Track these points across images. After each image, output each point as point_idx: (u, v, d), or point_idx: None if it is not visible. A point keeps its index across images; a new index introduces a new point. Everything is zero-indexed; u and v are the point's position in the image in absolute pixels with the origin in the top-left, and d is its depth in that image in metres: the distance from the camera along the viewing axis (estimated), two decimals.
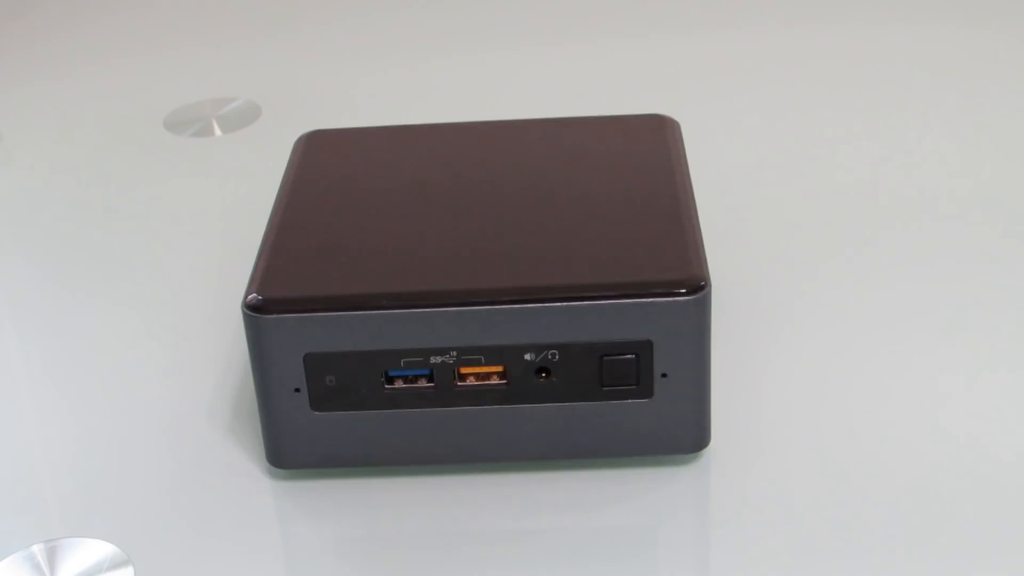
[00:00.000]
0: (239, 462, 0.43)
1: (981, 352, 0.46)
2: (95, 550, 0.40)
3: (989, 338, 0.47)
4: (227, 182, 0.60)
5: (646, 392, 0.40)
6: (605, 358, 0.39)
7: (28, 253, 0.55)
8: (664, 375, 0.40)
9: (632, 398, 0.40)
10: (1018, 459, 0.41)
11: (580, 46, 0.70)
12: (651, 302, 0.39)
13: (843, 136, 0.60)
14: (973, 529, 0.39)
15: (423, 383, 0.40)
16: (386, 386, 0.40)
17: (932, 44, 0.68)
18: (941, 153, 0.58)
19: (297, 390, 0.40)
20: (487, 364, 0.40)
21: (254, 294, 0.39)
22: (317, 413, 0.40)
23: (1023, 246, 0.52)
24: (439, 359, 0.39)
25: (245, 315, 0.39)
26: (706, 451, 0.42)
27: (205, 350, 0.48)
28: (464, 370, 0.40)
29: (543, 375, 0.40)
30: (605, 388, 0.40)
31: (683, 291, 0.39)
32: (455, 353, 0.39)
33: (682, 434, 0.41)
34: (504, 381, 0.40)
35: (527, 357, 0.39)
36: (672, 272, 0.39)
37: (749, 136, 0.61)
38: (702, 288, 0.39)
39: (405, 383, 0.40)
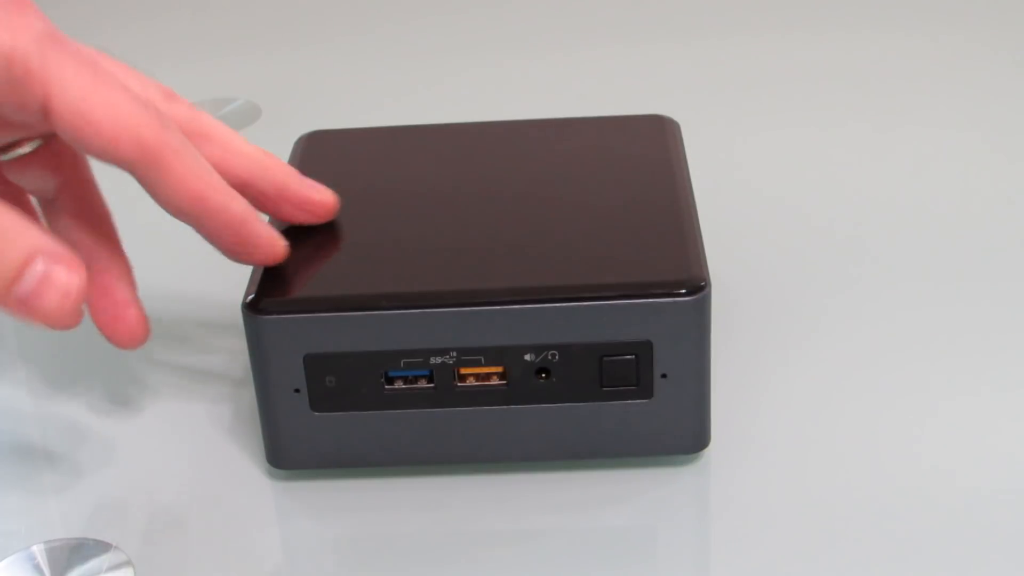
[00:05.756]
0: (239, 462, 0.43)
1: (982, 356, 0.46)
2: (95, 550, 0.40)
3: (991, 338, 0.47)
4: None
5: (646, 392, 0.40)
6: (605, 359, 0.39)
7: None
8: (664, 375, 0.40)
9: (632, 398, 0.40)
10: (1016, 471, 0.41)
11: (581, 47, 0.70)
12: (651, 302, 0.39)
13: (843, 137, 0.60)
14: (969, 531, 0.39)
15: (423, 384, 0.40)
16: (386, 387, 0.40)
17: (933, 48, 0.68)
18: (942, 157, 0.58)
19: (297, 391, 0.40)
20: (487, 365, 0.40)
21: (254, 294, 0.39)
22: (317, 413, 0.40)
23: None
24: (439, 360, 0.39)
25: (245, 315, 0.39)
26: (706, 451, 0.42)
27: (205, 350, 0.48)
28: (464, 371, 0.40)
29: (543, 376, 0.40)
30: (605, 388, 0.40)
31: (683, 291, 0.39)
32: (455, 354, 0.39)
33: (682, 434, 0.41)
34: (504, 382, 0.40)
35: (527, 358, 0.39)
36: (672, 272, 0.39)
37: (749, 137, 0.61)
38: (702, 288, 0.39)
39: (405, 384, 0.40)
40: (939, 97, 0.63)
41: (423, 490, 0.41)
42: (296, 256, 0.41)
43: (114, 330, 0.41)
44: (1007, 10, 0.71)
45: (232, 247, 0.40)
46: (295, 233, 0.42)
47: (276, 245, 0.40)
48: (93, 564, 0.39)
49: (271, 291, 0.39)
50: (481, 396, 0.40)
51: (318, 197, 0.42)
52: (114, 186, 0.60)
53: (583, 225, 0.42)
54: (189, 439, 0.44)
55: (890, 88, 0.64)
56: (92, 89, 0.37)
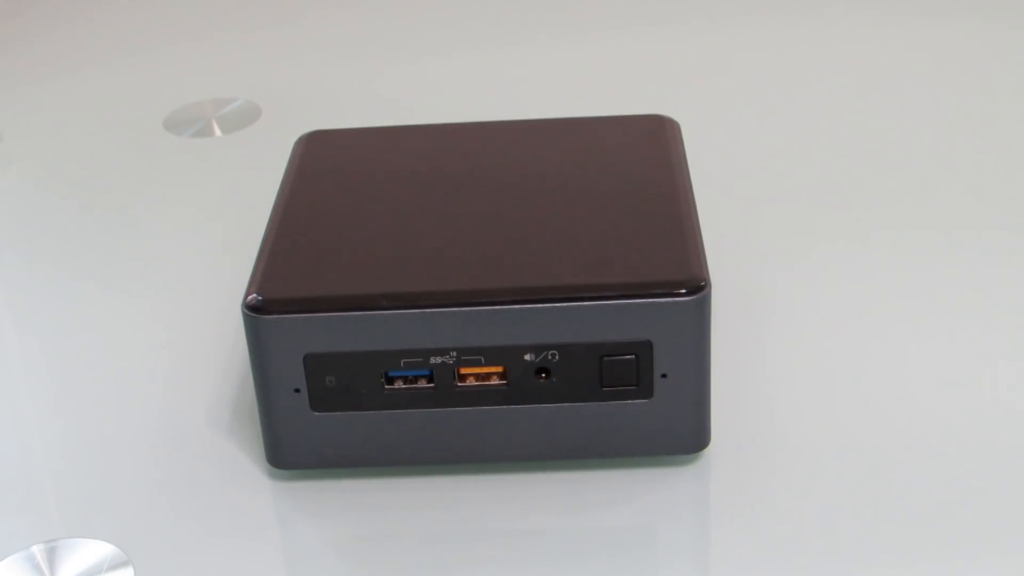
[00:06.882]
0: (239, 462, 0.43)
1: (984, 349, 0.46)
2: (95, 550, 0.40)
3: (992, 335, 0.47)
4: (227, 182, 0.60)
5: (646, 392, 0.40)
6: (605, 358, 0.39)
7: (28, 253, 0.55)
8: (664, 375, 0.40)
9: (632, 398, 0.40)
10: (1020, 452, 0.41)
11: (580, 46, 0.70)
12: (651, 302, 0.39)
13: (843, 135, 0.60)
14: (974, 532, 0.39)
15: (423, 383, 0.40)
16: (386, 386, 0.40)
17: (933, 43, 0.68)
18: (941, 151, 0.58)
19: (297, 390, 0.40)
20: (487, 364, 0.40)
21: (254, 294, 0.39)
22: (317, 413, 0.40)
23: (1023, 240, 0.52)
24: (439, 359, 0.39)
25: (245, 315, 0.39)
26: (706, 451, 0.42)
27: (205, 350, 0.48)
28: (464, 370, 0.40)
29: (543, 375, 0.40)
30: (605, 388, 0.40)
31: (683, 291, 0.39)
32: (455, 353, 0.39)
33: (682, 434, 0.41)
34: (504, 382, 0.40)
35: (527, 357, 0.39)
36: (672, 272, 0.39)
37: (749, 136, 0.61)
38: (702, 288, 0.39)
39: (405, 383, 0.40)
40: (940, 95, 0.63)
41: (423, 490, 0.41)
42: (296, 256, 0.41)
43: None
44: (1007, 8, 0.71)
45: None
46: (295, 233, 0.42)
47: None
48: (93, 564, 0.39)
49: (271, 291, 0.39)
50: (481, 396, 0.40)
51: None
52: (113, 186, 0.60)
53: (583, 225, 0.42)
54: (189, 439, 0.44)
55: (890, 86, 0.64)
56: None
